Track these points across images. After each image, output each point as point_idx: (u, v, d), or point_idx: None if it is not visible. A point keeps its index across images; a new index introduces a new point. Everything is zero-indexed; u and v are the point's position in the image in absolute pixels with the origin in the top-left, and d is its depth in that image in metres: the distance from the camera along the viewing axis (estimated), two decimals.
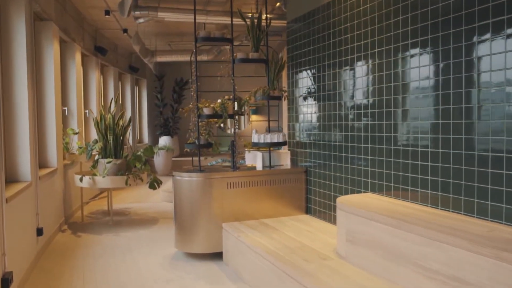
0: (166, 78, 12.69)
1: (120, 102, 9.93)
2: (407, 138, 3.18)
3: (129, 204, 7.19)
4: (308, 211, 4.59)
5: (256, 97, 4.57)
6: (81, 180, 5.40)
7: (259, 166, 4.71)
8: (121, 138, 5.85)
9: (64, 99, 6.59)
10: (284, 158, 4.80)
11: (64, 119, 6.58)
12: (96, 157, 5.76)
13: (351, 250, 3.05)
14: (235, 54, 4.59)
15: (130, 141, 10.73)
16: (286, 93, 4.79)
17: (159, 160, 10.90)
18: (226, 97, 5.01)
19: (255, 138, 4.59)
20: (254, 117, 13.66)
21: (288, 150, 4.92)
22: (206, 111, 4.35)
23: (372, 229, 2.87)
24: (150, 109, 12.32)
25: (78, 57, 6.88)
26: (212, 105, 4.39)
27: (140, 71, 11.29)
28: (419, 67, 3.05)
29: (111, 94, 9.30)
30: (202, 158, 4.49)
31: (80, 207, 6.10)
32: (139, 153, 6.02)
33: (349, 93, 3.86)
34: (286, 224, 4.16)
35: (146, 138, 12.01)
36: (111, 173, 5.56)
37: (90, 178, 5.43)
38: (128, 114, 10.58)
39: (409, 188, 3.17)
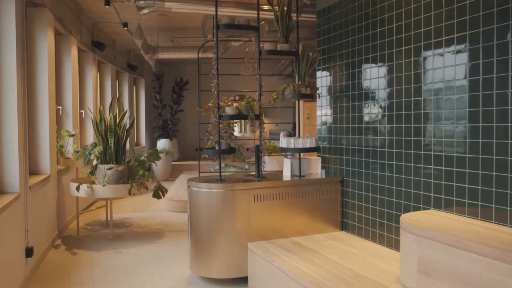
0: (165, 77, 12.03)
1: (118, 101, 9.26)
2: (475, 143, 2.58)
3: (129, 214, 6.51)
4: (344, 227, 3.97)
5: (284, 95, 3.94)
6: (78, 189, 4.73)
7: (286, 175, 4.08)
8: (123, 141, 5.20)
9: (58, 97, 5.92)
10: (314, 165, 4.18)
11: (58, 120, 5.91)
12: (95, 162, 5.10)
13: (426, 284, 2.43)
14: (261, 45, 3.97)
15: (127, 145, 10.04)
16: (318, 91, 4.17)
17: (158, 164, 10.23)
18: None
19: (283, 143, 3.96)
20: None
21: (318, 156, 4.30)
22: (229, 110, 3.72)
23: (457, 259, 2.25)
24: (148, 110, 11.65)
25: (74, 52, 6.22)
26: (235, 104, 3.75)
27: (138, 70, 10.62)
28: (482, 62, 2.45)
29: (108, 93, 8.63)
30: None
31: (76, 217, 5.42)
32: (142, 158, 5.37)
33: (394, 91, 3.25)
34: (323, 244, 3.53)
35: (143, 141, 11.33)
36: (112, 181, 4.90)
37: (88, 186, 4.76)
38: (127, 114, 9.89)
39: (493, 205, 2.57)
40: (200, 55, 8.65)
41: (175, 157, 11.17)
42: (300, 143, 3.83)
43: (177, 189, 7.93)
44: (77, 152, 5.11)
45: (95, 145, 5.05)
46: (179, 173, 10.81)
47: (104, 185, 4.72)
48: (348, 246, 3.46)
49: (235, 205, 3.56)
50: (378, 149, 3.48)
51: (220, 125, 3.82)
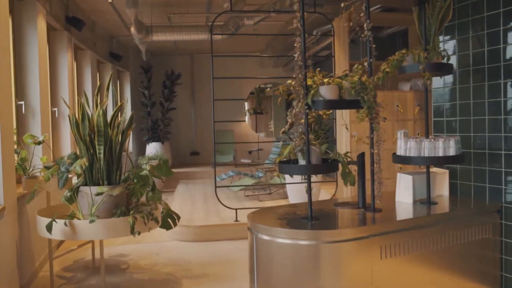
0: (154, 70, 10.27)
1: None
2: None
3: (123, 247, 4.77)
4: (506, 285, 2.38)
5: (403, 68, 2.32)
6: (49, 228, 2.98)
7: (406, 201, 2.46)
8: (119, 149, 3.49)
9: (20, 89, 4.17)
10: (440, 183, 2.57)
11: (21, 120, 4.16)
12: (76, 183, 3.37)
13: None
14: None
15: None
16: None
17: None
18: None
19: (401, 148, 2.33)
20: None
21: (444, 168, 2.70)
22: (327, 92, 2.05)
23: None
24: (135, 109, 9.86)
25: (41, 25, 4.46)
26: (336, 83, 2.07)
27: (122, 61, 8.84)
28: None
29: (88, 87, 6.85)
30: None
31: (48, 260, 3.64)
32: (144, 172, 3.68)
33: None
34: None
35: (130, 145, 9.54)
36: (104, 212, 3.19)
37: (66, 223, 3.02)
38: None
39: None
40: (205, 37, 6.98)
41: (168, 163, 9.42)
42: (440, 148, 2.21)
43: (180, 206, 6.22)
44: (47, 168, 3.36)
45: (75, 157, 3.32)
46: (175, 183, 9.08)
47: (92, 221, 2.99)
48: None
49: (348, 267, 1.92)
50: None
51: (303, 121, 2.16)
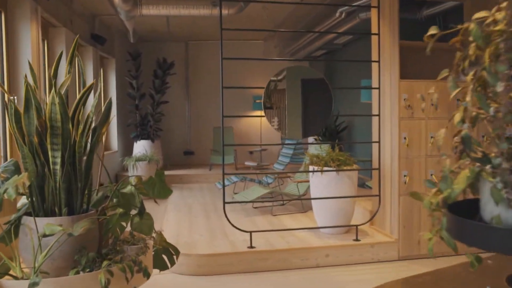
0: (144, 58, 8.98)
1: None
2: None
3: None
4: None
5: None
6: None
7: None
8: (88, 156, 2.24)
9: None
10: None
11: None
12: (18, 210, 2.11)
13: None
14: None
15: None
16: None
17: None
18: None
19: None
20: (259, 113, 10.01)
21: None
22: None
23: None
24: (121, 102, 8.57)
25: None
26: None
27: (107, 46, 7.54)
28: None
29: (60, 76, 5.56)
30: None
31: None
32: (128, 187, 2.44)
33: None
34: None
35: (115, 144, 8.25)
36: (59, 263, 1.94)
37: None
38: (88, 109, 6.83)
39: None
40: (206, 12, 5.71)
41: (160, 165, 8.16)
42: None
43: (176, 223, 4.97)
44: None
45: (15, 168, 2.06)
46: None
47: (33, 284, 1.74)
48: None
49: None
50: None
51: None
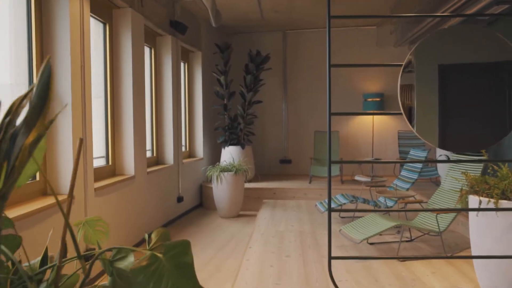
0: (234, 51, 7.79)
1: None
2: None
3: None
4: None
5: None
6: None
7: None
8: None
9: None
10: None
11: None
12: None
13: None
14: None
15: (171, 160, 5.84)
16: None
17: (221, 190, 5.98)
18: None
19: None
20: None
21: None
22: None
23: None
24: (207, 102, 7.45)
25: None
26: None
27: (189, 36, 6.46)
28: None
29: (125, 66, 4.53)
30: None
31: None
32: (128, 260, 0.99)
33: None
34: None
35: (200, 150, 7.14)
36: None
37: None
38: (168, 109, 5.74)
39: None
40: None
41: (249, 175, 6.87)
42: None
43: (260, 267, 3.53)
44: None
45: None
46: (257, 204, 6.47)
47: None
48: None
49: None
50: None
51: None
